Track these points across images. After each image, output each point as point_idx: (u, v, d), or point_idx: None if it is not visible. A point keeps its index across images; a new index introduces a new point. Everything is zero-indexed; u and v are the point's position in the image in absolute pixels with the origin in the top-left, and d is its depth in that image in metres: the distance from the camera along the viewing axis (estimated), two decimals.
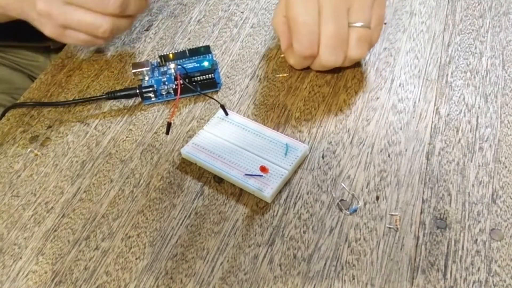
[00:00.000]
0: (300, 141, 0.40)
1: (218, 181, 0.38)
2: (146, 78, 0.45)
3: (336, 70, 0.45)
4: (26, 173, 0.40)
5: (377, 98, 0.44)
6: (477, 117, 0.42)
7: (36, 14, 0.42)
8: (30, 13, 0.42)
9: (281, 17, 0.42)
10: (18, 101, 0.45)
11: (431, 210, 0.36)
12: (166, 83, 0.44)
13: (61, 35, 0.43)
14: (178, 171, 0.39)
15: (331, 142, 0.41)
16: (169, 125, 0.40)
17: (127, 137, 0.42)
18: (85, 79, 0.47)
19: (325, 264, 0.34)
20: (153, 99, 0.44)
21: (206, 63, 0.45)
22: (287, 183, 0.38)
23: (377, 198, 0.37)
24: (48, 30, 0.43)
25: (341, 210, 0.36)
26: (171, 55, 0.46)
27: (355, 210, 0.36)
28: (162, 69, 0.46)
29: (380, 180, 0.38)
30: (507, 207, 0.36)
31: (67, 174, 0.40)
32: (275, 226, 0.36)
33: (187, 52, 0.46)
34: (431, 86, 0.44)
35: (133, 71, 0.45)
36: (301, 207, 0.37)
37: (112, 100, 0.44)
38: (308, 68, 0.45)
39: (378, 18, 0.41)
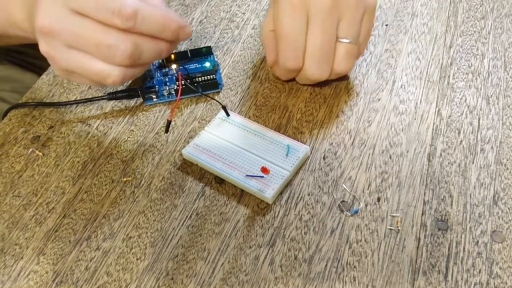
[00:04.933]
0: (301, 142, 0.40)
1: (219, 182, 0.38)
2: (148, 78, 0.45)
3: None
4: (27, 173, 0.40)
5: (379, 99, 0.43)
6: (479, 118, 0.42)
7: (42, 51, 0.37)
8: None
9: (267, 31, 0.40)
10: (20, 101, 0.45)
11: (432, 211, 0.36)
12: (168, 83, 0.44)
13: (68, 76, 0.38)
14: (179, 171, 0.39)
15: (332, 143, 0.41)
16: (168, 123, 0.40)
17: (128, 137, 0.42)
18: None
19: (326, 265, 0.34)
20: (154, 99, 0.44)
21: (207, 64, 0.45)
22: (288, 184, 0.38)
23: (378, 199, 0.37)
24: (55, 70, 0.38)
25: (342, 211, 0.36)
26: (172, 56, 0.46)
27: (356, 212, 0.36)
28: (163, 70, 0.46)
29: (381, 181, 0.38)
30: (509, 209, 0.36)
31: (69, 174, 0.40)
32: (276, 227, 0.36)
33: (188, 53, 0.46)
34: (432, 88, 0.44)
35: None
36: (302, 208, 0.37)
37: (113, 101, 0.45)
38: (295, 80, 0.44)
39: (366, 32, 0.40)
